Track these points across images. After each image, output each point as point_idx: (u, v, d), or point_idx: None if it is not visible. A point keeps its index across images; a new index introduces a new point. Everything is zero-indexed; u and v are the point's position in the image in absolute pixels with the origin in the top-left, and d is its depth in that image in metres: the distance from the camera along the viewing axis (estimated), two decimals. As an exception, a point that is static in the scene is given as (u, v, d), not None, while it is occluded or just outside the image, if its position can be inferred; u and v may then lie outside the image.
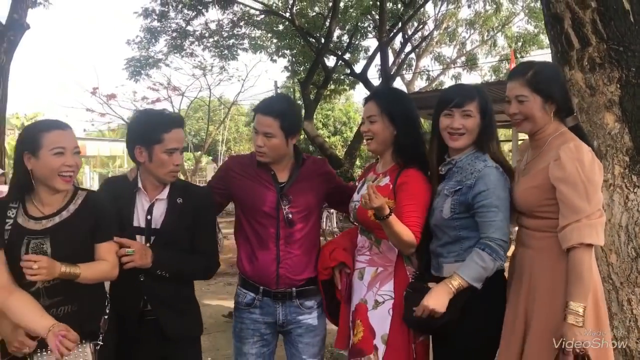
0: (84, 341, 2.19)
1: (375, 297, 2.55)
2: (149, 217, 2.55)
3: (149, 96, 20.31)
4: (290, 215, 2.68)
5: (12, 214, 2.26)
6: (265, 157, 2.70)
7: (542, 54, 20.45)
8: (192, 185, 2.80)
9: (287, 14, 16.13)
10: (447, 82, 24.26)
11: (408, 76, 23.82)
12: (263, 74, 45.43)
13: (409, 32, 18.80)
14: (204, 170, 27.86)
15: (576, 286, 2.16)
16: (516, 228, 2.53)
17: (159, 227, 2.54)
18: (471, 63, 23.73)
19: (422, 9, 18.13)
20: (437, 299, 2.31)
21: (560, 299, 2.20)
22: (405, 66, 21.16)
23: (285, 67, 20.18)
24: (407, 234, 2.38)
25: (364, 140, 2.73)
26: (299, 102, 29.18)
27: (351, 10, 17.39)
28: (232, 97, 23.63)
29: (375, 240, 2.61)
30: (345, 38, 18.55)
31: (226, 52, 18.95)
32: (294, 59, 19.41)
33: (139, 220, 2.55)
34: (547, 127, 2.38)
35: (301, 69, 19.38)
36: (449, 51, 38.09)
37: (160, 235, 2.52)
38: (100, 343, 2.30)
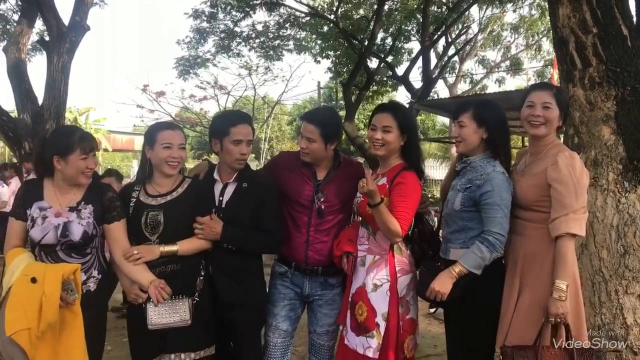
0: (183, 296, 2.82)
1: (374, 281, 3.01)
2: (220, 198, 3.13)
3: (196, 94, 20.83)
4: (322, 207, 3.16)
5: (136, 194, 3.01)
6: (307, 157, 3.20)
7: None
8: (259, 174, 3.32)
9: (332, 16, 16.43)
10: (491, 85, 24.27)
11: (451, 79, 23.94)
12: (307, 75, 45.91)
13: (453, 36, 18.88)
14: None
15: (561, 267, 2.63)
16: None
17: (224, 206, 3.10)
18: (515, 67, 23.67)
19: (467, 12, 18.20)
20: (442, 284, 2.80)
21: (546, 278, 2.65)
22: (448, 69, 21.23)
23: (329, 69, 20.38)
24: (394, 224, 2.83)
25: (370, 144, 3.11)
26: (340, 102, 29.56)
27: (396, 13, 17.59)
28: (276, 97, 24.09)
29: (372, 231, 3.08)
30: (389, 41, 18.70)
31: (271, 52, 19.35)
32: (337, 60, 19.57)
33: (216, 199, 3.14)
34: (551, 136, 2.83)
35: (344, 70, 19.60)
36: (493, 55, 37.84)
37: (225, 213, 3.07)
38: (197, 299, 2.89)
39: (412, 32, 18.40)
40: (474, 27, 22.06)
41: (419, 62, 17.00)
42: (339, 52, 19.06)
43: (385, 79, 19.68)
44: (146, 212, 2.95)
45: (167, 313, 2.79)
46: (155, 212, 2.94)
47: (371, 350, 2.95)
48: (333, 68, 20.15)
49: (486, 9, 20.85)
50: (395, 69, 18.08)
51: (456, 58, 21.91)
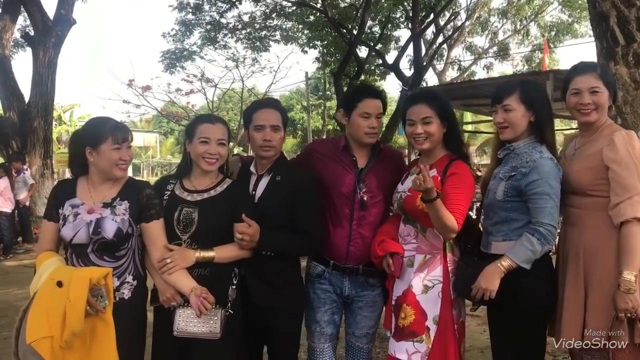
0: (217, 306, 2.55)
1: (425, 282, 2.76)
2: (253, 192, 2.89)
3: (182, 88, 20.61)
4: (365, 198, 2.92)
5: (171, 187, 2.81)
6: (374, 138, 2.98)
7: (576, 43, 20.25)
8: (296, 167, 3.07)
9: (319, 5, 16.18)
10: (479, 72, 24.18)
11: (439, 66, 23.80)
12: (294, 65, 45.36)
13: (441, 23, 18.76)
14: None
15: (629, 256, 2.41)
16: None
17: (257, 201, 2.86)
18: (503, 53, 23.59)
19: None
20: (489, 281, 2.56)
21: (614, 270, 2.45)
22: (436, 56, 21.09)
23: (317, 59, 20.21)
24: (450, 219, 2.59)
25: (412, 140, 2.88)
26: (327, 92, 29.25)
27: (383, 1, 17.39)
28: (263, 89, 23.81)
29: (421, 228, 2.81)
30: (377, 29, 18.53)
31: (258, 43, 19.17)
32: (325, 50, 19.36)
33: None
34: (602, 117, 2.63)
35: (332, 59, 19.41)
36: (480, 41, 37.71)
37: (257, 208, 2.81)
38: (231, 312, 2.63)
39: (401, 20, 18.23)
40: (462, 14, 21.90)
41: (408, 50, 16.90)
42: (326, 42, 18.82)
43: (373, 67, 19.51)
44: (180, 208, 2.72)
45: (196, 321, 2.54)
46: (190, 209, 2.70)
47: (419, 355, 2.71)
48: (321, 58, 19.92)
49: (473, -5, 20.80)
50: (384, 57, 17.91)
51: (444, 45, 21.81)
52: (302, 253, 3.02)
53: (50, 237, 2.66)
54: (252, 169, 2.98)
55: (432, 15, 16.73)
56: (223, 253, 2.67)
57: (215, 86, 20.91)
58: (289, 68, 40.66)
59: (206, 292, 2.48)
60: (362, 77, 19.10)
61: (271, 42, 19.37)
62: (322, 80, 27.50)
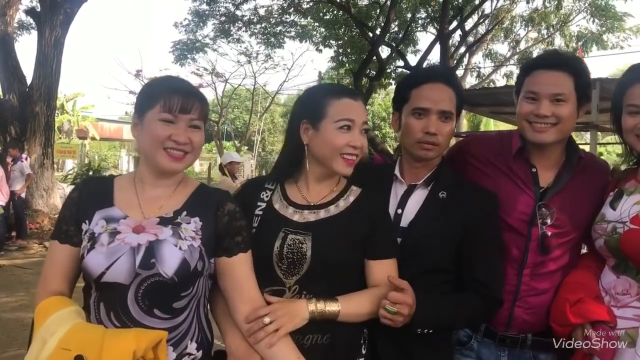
0: None
1: None
2: (399, 210, 1.91)
3: (191, 81, 20.19)
4: (549, 235, 1.93)
5: (267, 196, 1.81)
6: (552, 134, 1.93)
7: (604, 55, 19.45)
8: (468, 180, 2.03)
9: (339, 1, 15.52)
10: (499, 80, 23.53)
11: (459, 72, 23.09)
12: (308, 64, 44.80)
13: (466, 28, 18.12)
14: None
15: None
16: None
17: (407, 227, 1.88)
18: (525, 61, 22.85)
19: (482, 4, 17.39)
20: None
21: None
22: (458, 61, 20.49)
23: (332, 58, 19.46)
24: None
25: (630, 138, 1.85)
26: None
27: (404, 1, 16.68)
28: (275, 86, 23.29)
29: None
30: (396, 29, 17.86)
31: (273, 39, 18.72)
32: (340, 50, 18.64)
33: (391, 211, 1.91)
34: None
35: (347, 60, 18.65)
36: (502, 49, 37.17)
37: (405, 239, 1.86)
38: None
39: (427, 21, 17.64)
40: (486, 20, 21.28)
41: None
42: (341, 42, 18.22)
43: (389, 70, 18.87)
44: (283, 234, 1.71)
45: None
46: (300, 237, 1.70)
47: None
48: (336, 57, 19.38)
49: (497, 1, 20.10)
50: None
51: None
52: (473, 324, 2.01)
53: (61, 271, 1.63)
54: (397, 173, 1.98)
55: (459, 18, 16.06)
56: (352, 307, 1.67)
57: (225, 81, 20.44)
58: (303, 66, 40.01)
59: None
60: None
61: (286, 39, 18.94)
62: (336, 81, 26.72)
